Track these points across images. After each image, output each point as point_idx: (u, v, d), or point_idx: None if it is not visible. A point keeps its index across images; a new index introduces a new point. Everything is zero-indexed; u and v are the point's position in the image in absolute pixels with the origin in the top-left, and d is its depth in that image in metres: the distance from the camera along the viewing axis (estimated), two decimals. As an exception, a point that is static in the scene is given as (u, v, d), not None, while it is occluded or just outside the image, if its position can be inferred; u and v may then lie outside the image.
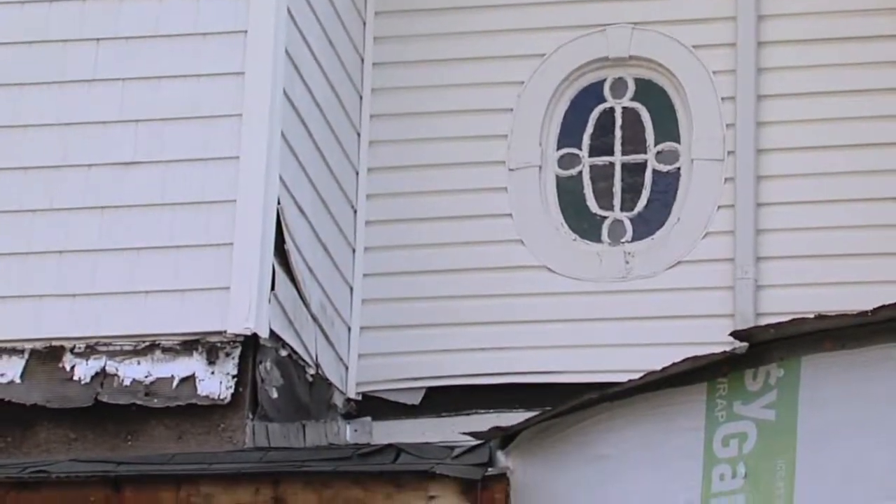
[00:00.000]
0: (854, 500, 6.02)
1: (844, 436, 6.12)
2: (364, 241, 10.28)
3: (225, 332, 8.65)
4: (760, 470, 6.28)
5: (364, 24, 10.63)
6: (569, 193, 10.08)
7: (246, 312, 8.65)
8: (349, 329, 10.10)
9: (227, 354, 8.63)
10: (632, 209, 9.96)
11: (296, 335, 9.19)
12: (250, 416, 8.68)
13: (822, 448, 6.14)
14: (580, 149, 10.19)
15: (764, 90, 9.95)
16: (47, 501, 7.50)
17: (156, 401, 8.67)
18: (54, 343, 8.80)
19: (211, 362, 8.64)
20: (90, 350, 8.78)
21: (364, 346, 10.13)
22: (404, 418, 9.67)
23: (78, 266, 8.96)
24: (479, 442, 7.35)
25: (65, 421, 8.74)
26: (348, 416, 9.89)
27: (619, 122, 10.21)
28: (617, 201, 10.01)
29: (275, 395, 8.96)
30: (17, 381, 8.78)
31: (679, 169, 9.99)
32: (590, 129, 10.23)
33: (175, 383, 8.66)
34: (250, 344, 8.69)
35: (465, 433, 7.63)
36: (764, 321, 8.26)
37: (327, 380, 9.72)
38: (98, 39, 9.17)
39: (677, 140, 10.05)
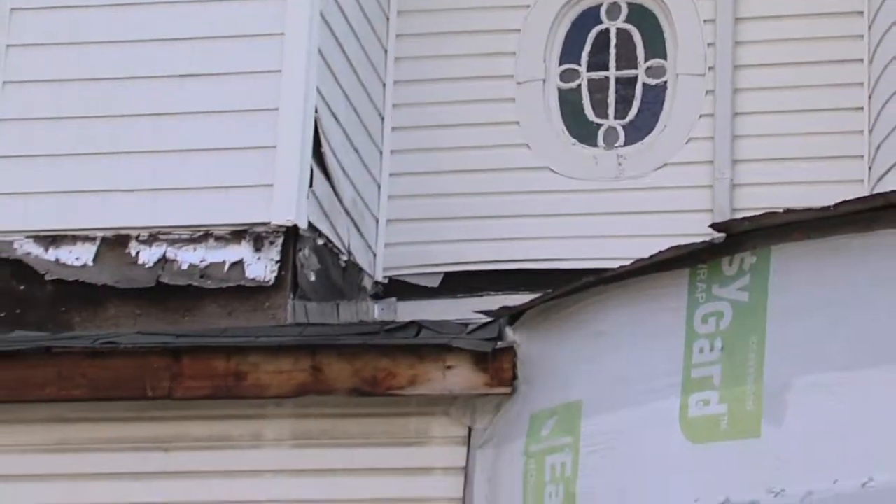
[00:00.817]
0: (815, 370, 5.99)
1: (808, 314, 6.11)
2: (390, 144, 10.43)
3: (269, 223, 8.78)
4: (735, 344, 6.27)
5: (388, -49, 10.74)
6: (569, 104, 10.27)
7: (287, 206, 8.81)
8: (377, 221, 10.22)
9: (271, 243, 8.72)
10: (624, 118, 10.13)
11: (330, 226, 9.28)
12: (291, 296, 8.74)
13: (789, 325, 6.12)
14: (579, 65, 10.36)
15: (741, 13, 10.17)
16: (116, 368, 7.56)
17: (209, 283, 8.79)
18: (121, 232, 8.94)
19: (257, 249, 8.72)
20: (152, 238, 8.89)
21: (390, 236, 10.27)
22: (425, 299, 9.77)
23: (143, 165, 9.10)
24: (489, 319, 7.36)
25: (131, 300, 8.82)
26: (376, 297, 9.97)
27: (613, 41, 10.40)
28: (611, 111, 10.20)
29: (312, 278, 9.03)
30: (90, 264, 8.89)
31: (666, 83, 10.20)
32: (588, 47, 10.39)
33: (226, 268, 8.77)
34: (291, 234, 8.79)
35: (477, 312, 7.65)
36: (739, 215, 8.29)
37: (358, 265, 9.80)
38: (156, -33, 9.30)
39: (664, 57, 10.24)
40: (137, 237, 8.97)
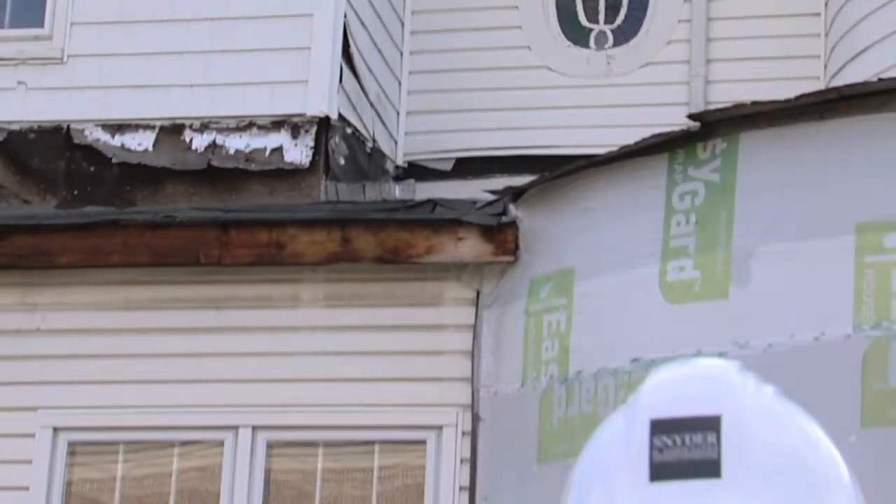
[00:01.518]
0: (775, 240, 6.05)
1: (770, 192, 6.15)
2: (410, 46, 10.38)
3: (304, 114, 8.80)
4: (707, 218, 6.31)
5: None
6: (565, 10, 10.20)
7: (320, 99, 8.82)
8: (398, 113, 10.19)
9: (307, 131, 8.75)
10: (613, 23, 10.08)
11: (357, 117, 9.28)
12: (324, 177, 8.79)
13: (754, 201, 6.16)
14: (574, -25, 10.30)
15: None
16: (173, 238, 7.62)
17: (253, 166, 8.83)
18: (177, 121, 8.94)
19: (294, 137, 8.74)
20: (204, 127, 8.90)
21: (409, 126, 10.25)
22: (439, 181, 9.77)
23: (197, 63, 9.11)
24: (495, 198, 7.39)
25: (185, 180, 8.86)
26: (397, 179, 9.97)
27: (603, -47, 10.31)
28: (601, 17, 10.15)
29: (342, 162, 9.07)
30: (150, 149, 8.92)
31: (649, -8, 10.13)
32: (581, -42, 10.31)
33: (267, 153, 8.79)
34: (323, 123, 8.79)
35: (485, 191, 7.69)
36: (712, 108, 8.29)
37: (381, 151, 9.80)
38: None
39: (648, -31, 10.15)
40: (191, 126, 8.95)
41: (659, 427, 1.29)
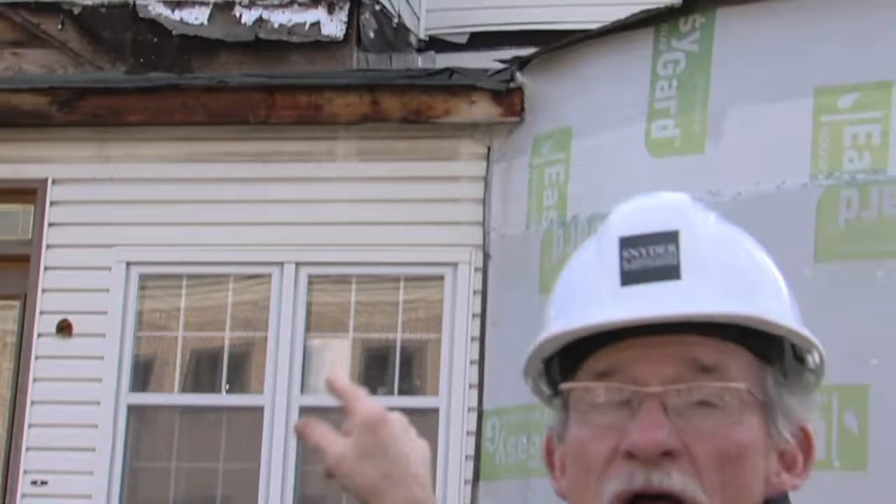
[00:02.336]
0: (746, 102, 6.02)
1: (742, 60, 6.08)
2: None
3: (339, -8, 8.67)
4: (687, 84, 6.28)
5: None
6: None
7: (352, -13, 8.71)
8: (421, -7, 10.10)
9: (341, 8, 8.74)
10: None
11: (384, -5, 9.21)
12: (356, 49, 8.78)
13: (728, 68, 6.08)
14: None
15: None
16: (226, 100, 7.61)
17: (294, 38, 8.82)
18: (228, -1, 8.90)
19: (330, 13, 8.72)
20: (252, 3, 8.90)
21: (430, 4, 10.10)
22: (456, 52, 9.68)
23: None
24: (505, 67, 7.35)
25: (236, 50, 8.85)
26: (419, 51, 9.90)
27: None
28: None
29: (371, 35, 9.04)
30: (205, 23, 8.89)
31: None
32: None
33: (307, 27, 8.77)
34: (356, 1, 8.79)
35: (496, 61, 7.65)
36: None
37: (406, 26, 9.74)
38: None
39: None
40: (240, 2, 8.86)
41: (627, 242, 1.30)
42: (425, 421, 7.24)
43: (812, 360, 1.32)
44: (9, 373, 8.01)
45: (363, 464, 1.50)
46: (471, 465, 7.10)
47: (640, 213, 1.33)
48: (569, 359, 1.33)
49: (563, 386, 1.33)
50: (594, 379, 1.29)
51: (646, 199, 1.37)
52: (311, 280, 7.64)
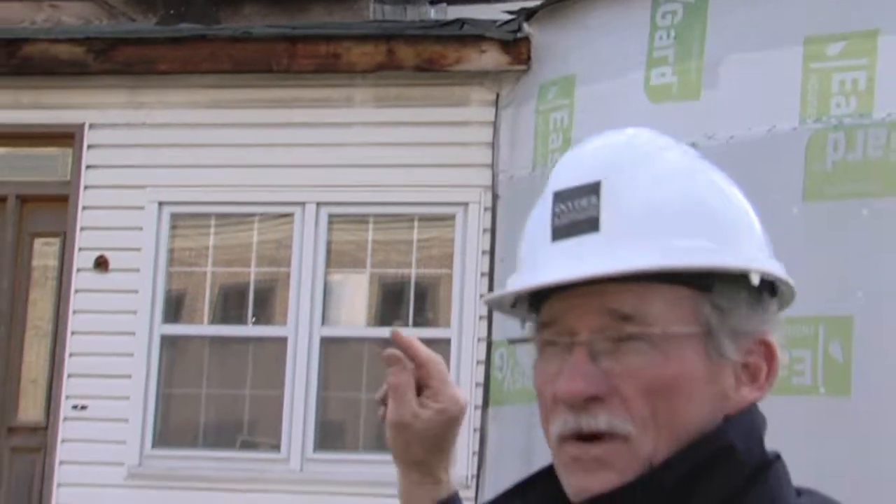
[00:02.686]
0: (739, 50, 5.98)
1: (736, 10, 6.02)
2: None
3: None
4: (684, 34, 6.23)
5: None
6: None
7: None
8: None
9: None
10: None
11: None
12: (372, 1, 8.72)
13: (723, 18, 6.01)
14: None
15: None
16: (251, 50, 7.57)
17: (315, -7, 8.73)
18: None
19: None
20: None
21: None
22: (466, 4, 9.53)
23: None
24: (512, 18, 7.29)
25: (260, 3, 8.82)
26: (432, 3, 9.82)
27: None
28: None
29: (387, -10, 8.99)
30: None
31: None
32: None
33: (327, -20, 8.67)
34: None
35: (504, 12, 7.56)
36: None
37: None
38: None
39: None
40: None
41: (559, 197, 1.29)
42: (438, 351, 7.19)
43: (755, 280, 1.28)
44: (50, 305, 8.04)
45: (417, 445, 1.59)
46: (480, 391, 7.12)
47: (571, 164, 1.31)
48: (533, 297, 1.33)
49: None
50: (540, 329, 1.31)
51: (580, 149, 1.33)
52: (331, 219, 7.64)
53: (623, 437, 1.24)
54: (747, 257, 1.28)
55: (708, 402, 1.26)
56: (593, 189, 1.27)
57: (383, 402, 1.61)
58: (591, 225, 1.26)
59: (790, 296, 1.33)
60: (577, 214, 1.27)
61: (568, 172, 1.30)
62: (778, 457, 1.29)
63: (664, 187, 1.28)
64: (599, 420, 1.24)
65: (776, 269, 1.30)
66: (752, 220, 1.33)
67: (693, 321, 1.25)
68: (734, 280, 1.27)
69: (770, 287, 1.31)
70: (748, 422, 1.28)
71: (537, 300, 1.32)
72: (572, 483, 1.27)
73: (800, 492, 1.27)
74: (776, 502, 1.24)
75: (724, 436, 1.25)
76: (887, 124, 5.53)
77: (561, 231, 1.28)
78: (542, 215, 1.31)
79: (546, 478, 1.34)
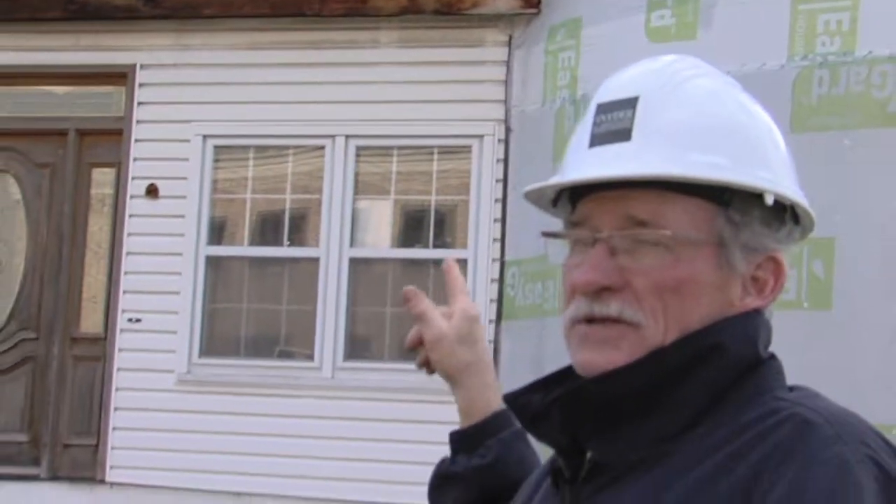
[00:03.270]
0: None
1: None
2: None
3: None
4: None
5: None
6: None
7: None
8: None
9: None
10: None
11: None
12: (396, -49, 8.57)
13: None
14: None
15: None
16: (285, -3, 7.53)
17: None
18: None
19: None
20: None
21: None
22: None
23: None
24: (524, -35, 7.27)
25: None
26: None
27: None
28: None
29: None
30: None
31: None
32: None
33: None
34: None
35: (516, -39, 7.54)
36: None
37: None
38: None
39: None
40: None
41: (600, 108, 1.30)
42: None
43: (769, 200, 1.27)
44: (107, 229, 8.09)
45: (459, 347, 1.57)
46: (494, 307, 7.15)
47: (616, 82, 1.32)
48: (572, 195, 1.35)
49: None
50: (570, 227, 1.33)
51: (626, 70, 1.34)
52: (359, 151, 7.64)
53: (633, 325, 1.25)
54: (765, 178, 1.27)
55: (715, 307, 1.26)
56: (630, 103, 1.28)
57: (416, 346, 1.60)
58: (623, 135, 1.28)
59: (809, 222, 1.32)
60: (613, 125, 1.29)
61: (612, 88, 1.31)
62: (772, 356, 1.29)
63: (694, 107, 1.29)
64: (611, 307, 1.25)
65: (791, 192, 1.29)
66: (778, 142, 1.32)
67: (706, 231, 1.26)
68: (750, 198, 1.26)
69: (792, 210, 1.30)
70: (743, 325, 1.28)
71: (574, 201, 1.33)
72: (579, 358, 1.28)
73: (792, 388, 1.27)
74: (760, 392, 1.24)
75: (717, 335, 1.25)
76: (868, 61, 5.46)
77: (597, 139, 1.29)
78: (585, 124, 1.32)
79: (566, 375, 1.34)
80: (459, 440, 1.59)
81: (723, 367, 1.25)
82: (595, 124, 1.30)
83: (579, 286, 1.27)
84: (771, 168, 1.29)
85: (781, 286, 1.30)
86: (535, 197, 1.39)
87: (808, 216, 1.32)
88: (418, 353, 1.60)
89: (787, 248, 1.31)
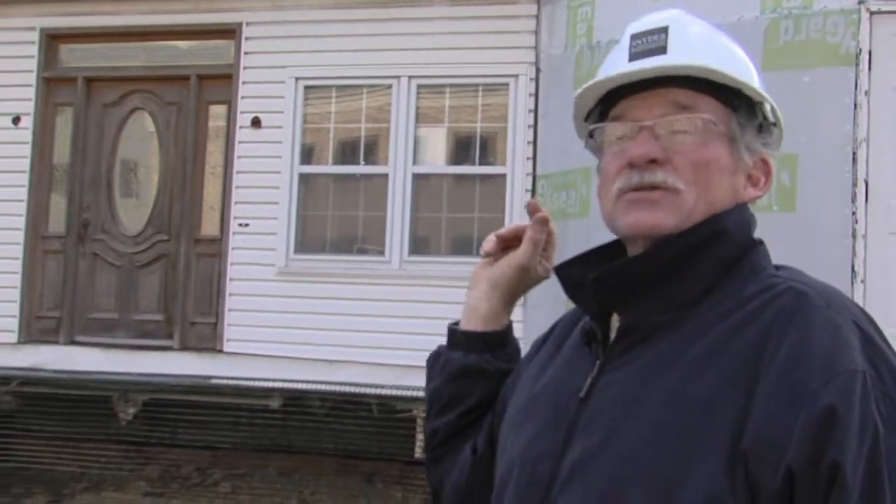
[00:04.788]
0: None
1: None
2: None
3: None
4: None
5: None
6: None
7: None
8: None
9: None
10: None
11: None
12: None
13: None
14: None
15: None
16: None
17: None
18: None
19: None
20: None
21: None
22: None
23: None
24: (551, -64, 7.22)
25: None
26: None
27: None
28: None
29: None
30: None
31: None
32: None
33: None
34: None
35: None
36: None
37: None
38: None
39: None
40: None
41: (635, 36, 1.28)
42: (496, 183, 7.33)
43: (766, 111, 1.28)
44: (221, 153, 8.08)
45: (524, 272, 1.50)
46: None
47: (642, 21, 1.31)
48: (601, 111, 1.31)
49: (590, 127, 1.31)
50: (611, 121, 1.28)
51: (650, 14, 1.32)
52: (419, 89, 7.58)
53: (674, 191, 1.23)
54: (763, 93, 1.28)
55: (728, 189, 1.26)
56: (663, 30, 1.26)
57: (500, 249, 1.47)
58: (660, 51, 1.25)
59: (779, 134, 1.33)
60: (650, 45, 1.26)
61: (642, 23, 1.29)
62: (761, 241, 1.29)
63: (712, 35, 1.29)
64: (657, 175, 1.23)
65: (777, 109, 1.30)
66: (758, 75, 1.32)
67: (725, 126, 1.25)
68: (751, 108, 1.27)
69: (769, 125, 1.30)
70: (739, 214, 1.27)
71: (608, 108, 1.29)
72: (630, 220, 1.24)
73: (777, 267, 1.26)
74: (757, 270, 1.23)
75: (722, 221, 1.24)
76: (823, 13, 5.36)
77: (636, 55, 1.26)
78: (619, 50, 1.28)
79: (601, 251, 1.33)
80: (482, 340, 1.47)
81: (727, 247, 1.23)
82: (632, 46, 1.26)
83: (635, 158, 1.23)
84: (760, 87, 1.29)
85: (771, 182, 1.30)
86: (582, 104, 1.33)
87: (781, 130, 1.31)
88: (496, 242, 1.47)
89: (773, 154, 1.31)
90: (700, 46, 1.26)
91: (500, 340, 1.48)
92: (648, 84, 1.23)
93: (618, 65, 1.27)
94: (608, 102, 1.28)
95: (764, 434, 1.08)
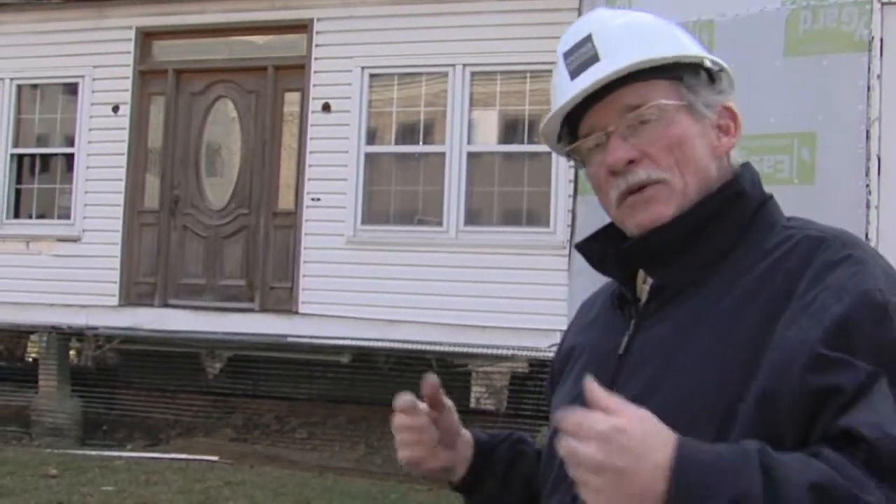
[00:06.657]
0: None
1: None
2: None
3: None
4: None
5: None
6: None
7: None
8: None
9: None
10: None
11: None
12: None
13: None
14: None
15: None
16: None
17: None
18: None
19: None
20: None
21: None
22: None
23: None
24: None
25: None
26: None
27: None
28: None
29: None
30: None
31: None
32: None
33: None
34: None
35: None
36: None
37: None
38: None
39: None
40: None
41: (566, 54, 1.25)
42: (543, 160, 7.43)
43: (707, 65, 1.25)
44: (296, 135, 8.19)
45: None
46: (572, 185, 7.02)
47: (566, 36, 1.27)
48: (569, 130, 1.29)
49: (567, 149, 1.30)
50: (582, 138, 1.25)
51: (569, 28, 1.28)
52: (472, 76, 7.65)
53: (661, 182, 1.21)
54: (696, 52, 1.27)
55: (706, 148, 1.24)
56: (587, 39, 1.24)
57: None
58: (593, 58, 1.23)
59: (728, 77, 1.28)
60: (582, 57, 1.23)
61: (566, 40, 1.27)
62: (772, 196, 1.26)
63: (632, 23, 1.27)
64: (639, 174, 1.22)
65: (716, 57, 1.27)
66: (685, 33, 1.29)
67: (678, 98, 1.23)
68: (693, 69, 1.25)
69: (717, 74, 1.27)
70: (750, 173, 1.26)
71: (573, 128, 1.27)
72: (634, 222, 1.23)
73: (789, 218, 1.25)
74: (772, 225, 1.22)
75: (738, 184, 1.23)
76: (839, 4, 5.32)
77: (575, 71, 1.23)
78: (559, 73, 1.27)
79: (608, 229, 1.31)
80: (472, 472, 1.38)
81: (746, 205, 1.22)
82: (568, 65, 1.24)
83: (611, 164, 1.21)
84: (692, 48, 1.27)
85: (741, 125, 1.26)
86: (548, 132, 1.30)
87: (728, 72, 1.27)
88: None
89: (730, 97, 1.27)
90: (626, 39, 1.23)
91: (488, 448, 1.41)
92: (600, 92, 1.22)
93: (563, 87, 1.25)
94: (574, 119, 1.26)
95: (785, 348, 1.07)
